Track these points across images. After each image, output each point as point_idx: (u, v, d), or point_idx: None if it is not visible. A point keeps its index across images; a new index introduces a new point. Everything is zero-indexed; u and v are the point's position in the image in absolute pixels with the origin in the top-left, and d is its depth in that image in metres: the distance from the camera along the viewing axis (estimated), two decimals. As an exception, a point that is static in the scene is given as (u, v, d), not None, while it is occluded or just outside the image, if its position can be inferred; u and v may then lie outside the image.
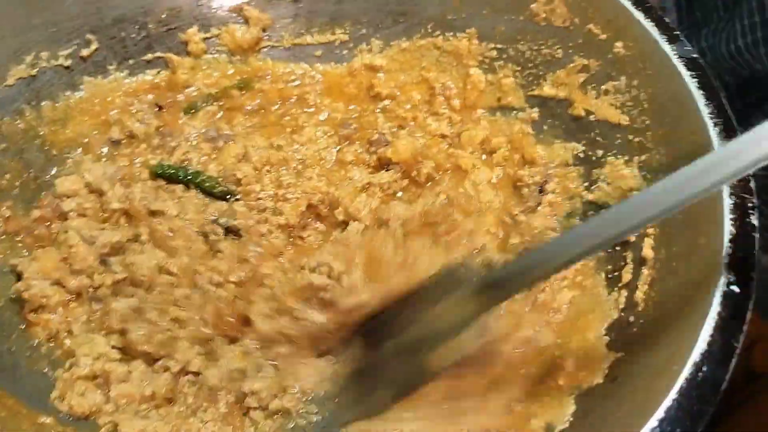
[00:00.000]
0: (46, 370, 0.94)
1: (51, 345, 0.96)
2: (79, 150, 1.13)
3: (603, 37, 1.04)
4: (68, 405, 0.90)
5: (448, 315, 0.84)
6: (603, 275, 0.98)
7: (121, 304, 0.95)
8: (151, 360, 0.94)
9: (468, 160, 1.14)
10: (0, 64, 1.06)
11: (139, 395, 0.91)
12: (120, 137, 1.15)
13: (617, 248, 0.97)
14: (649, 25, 0.97)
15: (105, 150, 1.14)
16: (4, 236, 1.02)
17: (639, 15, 0.99)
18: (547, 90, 1.14)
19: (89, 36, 1.15)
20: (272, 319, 0.94)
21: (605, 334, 0.90)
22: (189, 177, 1.09)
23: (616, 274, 0.96)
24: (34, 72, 1.10)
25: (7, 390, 0.88)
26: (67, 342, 0.96)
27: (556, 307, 0.99)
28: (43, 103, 1.11)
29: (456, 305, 0.83)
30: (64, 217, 1.03)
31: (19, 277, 0.98)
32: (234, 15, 1.24)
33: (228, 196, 1.09)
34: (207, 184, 1.09)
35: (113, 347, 0.95)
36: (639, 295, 0.90)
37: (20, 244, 1.03)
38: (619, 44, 1.02)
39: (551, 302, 0.99)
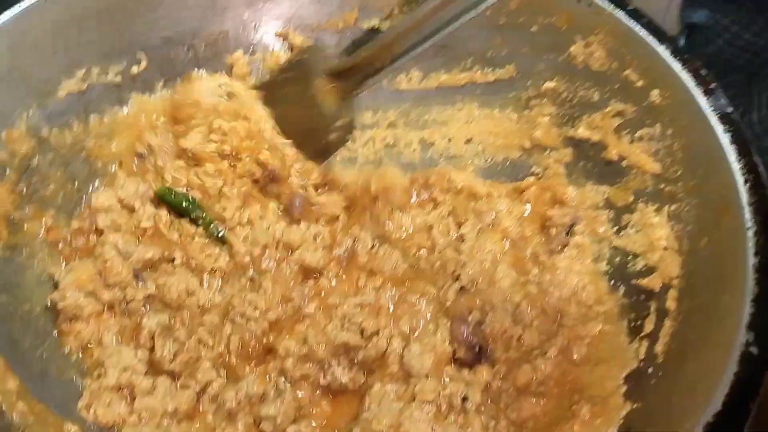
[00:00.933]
0: (74, 378, 0.97)
1: (81, 354, 1.00)
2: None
3: (640, 84, 1.04)
4: (94, 414, 0.93)
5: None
6: (626, 323, 0.98)
7: (152, 321, 0.98)
8: (175, 376, 0.97)
9: (483, 187, 1.17)
10: (52, 77, 1.10)
11: (162, 410, 0.94)
12: (143, 151, 1.17)
13: (641, 297, 0.97)
14: (685, 77, 0.97)
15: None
16: (44, 245, 1.06)
17: (677, 65, 0.99)
18: (582, 132, 1.14)
19: (139, 54, 1.19)
20: (300, 363, 0.96)
21: (623, 383, 0.90)
22: (191, 210, 1.10)
23: (638, 323, 0.96)
24: (84, 86, 1.14)
25: (36, 396, 0.91)
26: (97, 352, 0.99)
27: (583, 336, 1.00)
28: (90, 117, 1.15)
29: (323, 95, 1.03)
30: (100, 231, 1.07)
31: (55, 286, 1.02)
32: (279, 40, 1.28)
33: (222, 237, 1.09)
34: (203, 223, 1.09)
35: (140, 361, 0.98)
36: (659, 346, 0.90)
37: (59, 254, 1.07)
38: (655, 92, 1.02)
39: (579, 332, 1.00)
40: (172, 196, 1.11)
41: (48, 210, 1.08)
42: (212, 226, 1.09)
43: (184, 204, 1.10)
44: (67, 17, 1.09)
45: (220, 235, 1.08)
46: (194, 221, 1.09)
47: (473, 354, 1.01)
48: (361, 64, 1.03)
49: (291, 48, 1.28)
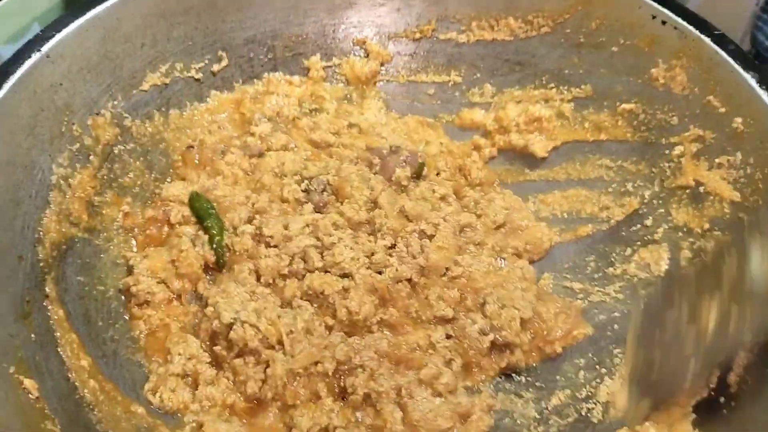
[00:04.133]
0: (142, 362, 0.99)
1: (148, 339, 1.01)
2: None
3: (722, 110, 1.03)
4: (159, 398, 0.94)
5: None
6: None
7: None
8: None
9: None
10: (138, 70, 1.14)
11: (222, 401, 0.95)
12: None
13: (714, 325, 0.95)
14: (773, 105, 0.96)
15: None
16: (120, 230, 1.09)
17: (763, 93, 0.98)
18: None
19: (221, 53, 1.22)
20: None
21: (692, 411, 0.88)
22: (207, 217, 1.08)
23: (710, 351, 0.94)
24: (167, 80, 1.17)
25: (107, 375, 0.94)
26: (164, 339, 1.01)
27: None
28: (171, 111, 1.19)
29: None
30: (171, 223, 1.09)
31: (129, 271, 1.05)
32: (356, 47, 1.30)
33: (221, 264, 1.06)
34: (212, 232, 1.07)
35: (205, 351, 0.99)
36: (732, 377, 0.87)
37: (133, 240, 1.09)
38: (738, 119, 1.01)
39: None
40: (199, 201, 1.10)
41: (125, 197, 1.11)
42: (217, 240, 1.06)
43: (204, 209, 1.09)
44: (159, 12, 1.13)
45: (218, 251, 1.06)
46: (205, 229, 1.08)
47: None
48: None
49: (367, 54, 1.29)
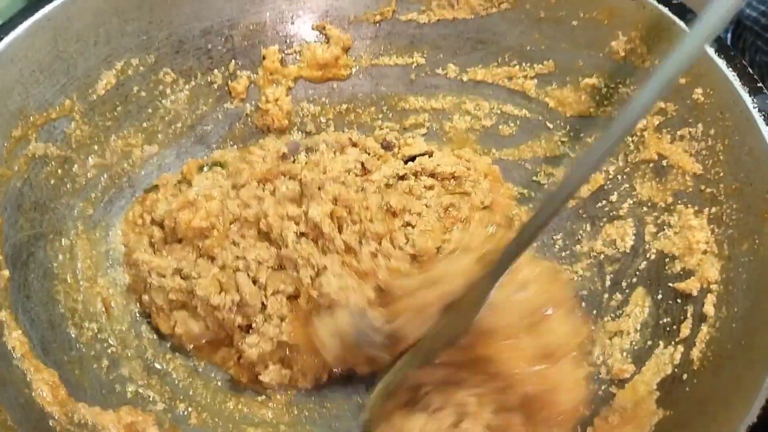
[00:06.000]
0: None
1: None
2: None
3: (682, 81, 1.02)
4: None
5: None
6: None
7: None
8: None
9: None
10: (93, 68, 1.12)
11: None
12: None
13: (678, 301, 0.95)
14: (730, 75, 0.94)
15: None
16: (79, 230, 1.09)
17: (721, 63, 0.96)
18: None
19: (177, 46, 1.20)
20: None
21: (656, 389, 0.88)
22: None
23: (674, 327, 0.94)
24: (122, 78, 1.15)
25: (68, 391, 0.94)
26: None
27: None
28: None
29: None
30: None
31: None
32: (316, 33, 1.28)
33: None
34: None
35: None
36: (695, 353, 0.87)
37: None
38: (698, 90, 0.99)
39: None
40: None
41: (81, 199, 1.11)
42: None
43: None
44: (110, 8, 1.11)
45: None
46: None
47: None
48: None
49: (327, 40, 1.28)
